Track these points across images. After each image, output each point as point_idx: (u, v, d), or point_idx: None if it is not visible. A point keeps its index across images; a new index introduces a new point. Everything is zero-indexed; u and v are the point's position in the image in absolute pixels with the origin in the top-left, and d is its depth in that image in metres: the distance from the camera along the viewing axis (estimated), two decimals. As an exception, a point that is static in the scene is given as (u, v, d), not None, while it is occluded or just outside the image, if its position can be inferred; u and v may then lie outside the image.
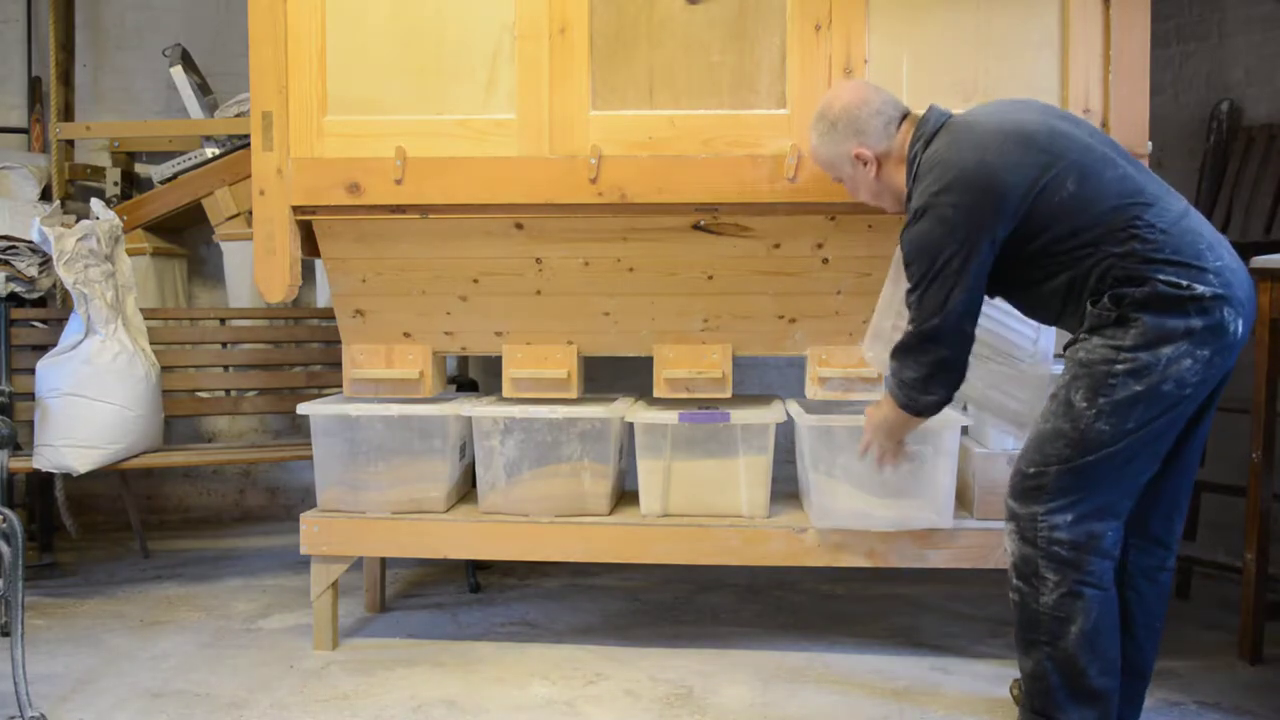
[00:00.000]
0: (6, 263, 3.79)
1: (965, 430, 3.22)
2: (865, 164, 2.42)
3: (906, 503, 2.92)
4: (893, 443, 2.52)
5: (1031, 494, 2.18)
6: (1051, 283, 2.23)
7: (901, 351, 2.31)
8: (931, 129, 2.32)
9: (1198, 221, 2.19)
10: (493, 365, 3.73)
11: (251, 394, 4.13)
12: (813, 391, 3.08)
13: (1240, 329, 2.12)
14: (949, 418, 2.90)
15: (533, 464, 3.08)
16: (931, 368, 2.27)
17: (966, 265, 2.18)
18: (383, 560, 3.48)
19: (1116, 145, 2.28)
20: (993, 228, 2.17)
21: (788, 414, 3.03)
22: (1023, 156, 2.17)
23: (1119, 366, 2.10)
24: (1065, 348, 2.27)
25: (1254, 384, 2.92)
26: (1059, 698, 2.19)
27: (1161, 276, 2.09)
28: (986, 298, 2.33)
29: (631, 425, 3.08)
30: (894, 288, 2.56)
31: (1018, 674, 2.73)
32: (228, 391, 4.11)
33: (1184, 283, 2.08)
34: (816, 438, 2.93)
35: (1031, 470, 2.18)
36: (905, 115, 2.42)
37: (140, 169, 4.73)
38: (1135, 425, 2.11)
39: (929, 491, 2.91)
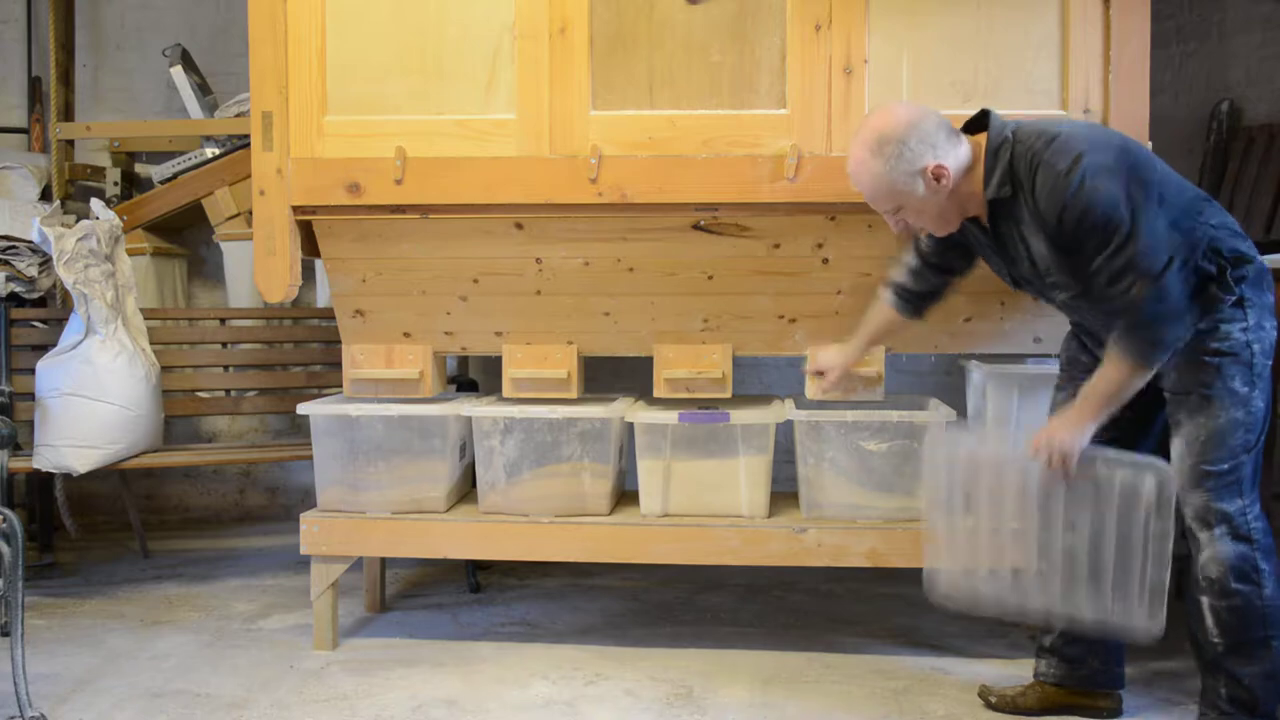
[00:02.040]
0: (6, 263, 3.80)
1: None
2: (940, 180, 2.24)
3: (893, 495, 2.94)
4: (1101, 421, 2.28)
5: (1234, 489, 2.21)
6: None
7: (1143, 315, 2.13)
8: (1011, 128, 2.25)
9: None
10: (493, 365, 3.73)
11: (251, 394, 4.13)
12: (812, 391, 3.08)
13: None
14: (936, 415, 2.92)
15: (533, 464, 3.08)
16: (1178, 302, 2.14)
17: (1149, 197, 2.13)
18: (383, 560, 3.48)
19: None
20: (1148, 167, 2.17)
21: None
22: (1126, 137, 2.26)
23: (1255, 346, 2.20)
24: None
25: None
26: (1278, 695, 2.20)
27: (1250, 251, 2.22)
28: None
29: (631, 425, 3.08)
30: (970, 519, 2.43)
31: (1014, 675, 2.74)
32: (228, 391, 4.11)
33: (1257, 258, 2.22)
34: (805, 432, 2.96)
35: (1226, 466, 2.21)
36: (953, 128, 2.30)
37: (140, 169, 4.73)
38: (1270, 398, 2.24)
39: (915, 484, 2.93)
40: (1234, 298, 2.20)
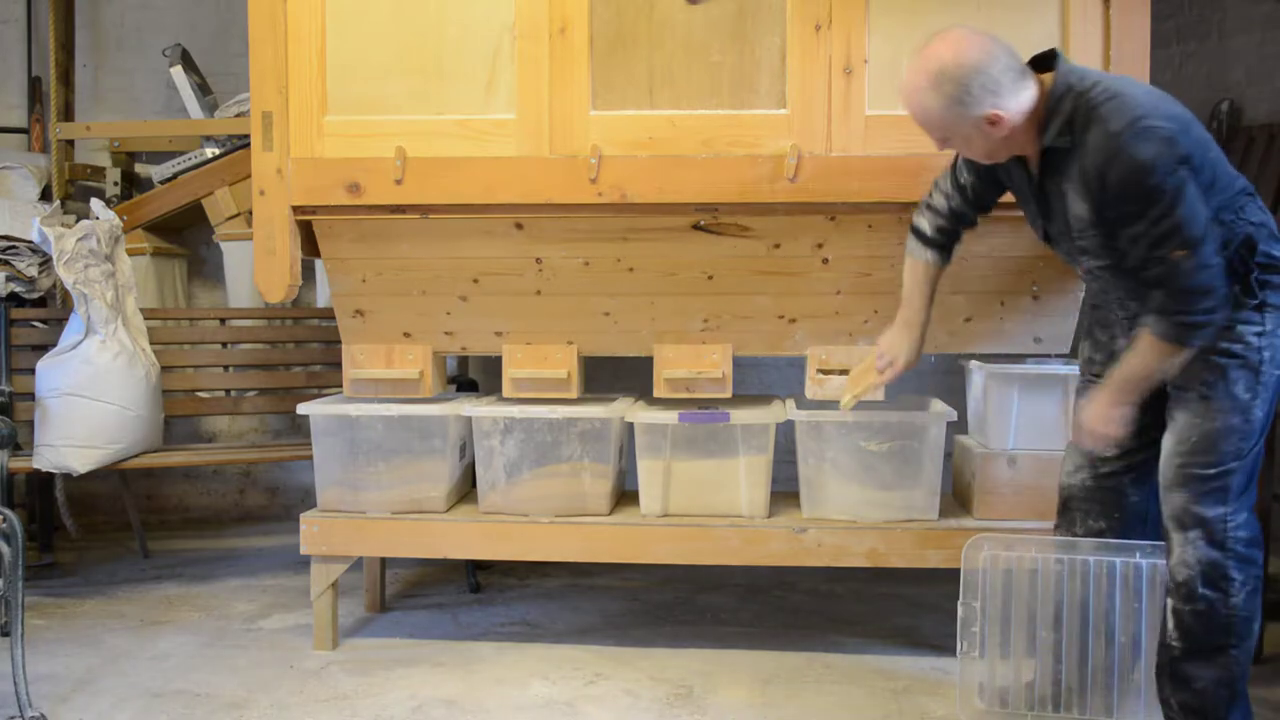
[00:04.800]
0: (6, 263, 3.80)
1: (965, 429, 3.23)
2: (995, 125, 2.14)
3: (893, 495, 2.94)
4: (1134, 401, 2.25)
5: (1218, 495, 2.14)
6: None
7: (1181, 285, 2.07)
8: (1076, 76, 2.16)
9: None
10: (493, 365, 3.73)
11: (251, 394, 4.13)
12: (812, 391, 3.08)
13: None
14: (936, 415, 2.92)
15: (533, 464, 3.08)
16: (1217, 276, 2.07)
17: (1197, 171, 2.06)
18: (383, 560, 3.48)
19: None
20: (1202, 148, 2.08)
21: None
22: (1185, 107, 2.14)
23: (1266, 353, 2.12)
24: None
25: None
26: (1231, 706, 2.14)
27: None
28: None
29: (631, 425, 3.08)
30: None
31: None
32: (228, 391, 4.11)
33: None
34: (805, 432, 2.96)
35: (1212, 471, 2.14)
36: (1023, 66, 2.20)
37: (140, 169, 4.73)
38: (1272, 410, 2.15)
39: (915, 484, 2.93)
40: (1256, 300, 2.12)
